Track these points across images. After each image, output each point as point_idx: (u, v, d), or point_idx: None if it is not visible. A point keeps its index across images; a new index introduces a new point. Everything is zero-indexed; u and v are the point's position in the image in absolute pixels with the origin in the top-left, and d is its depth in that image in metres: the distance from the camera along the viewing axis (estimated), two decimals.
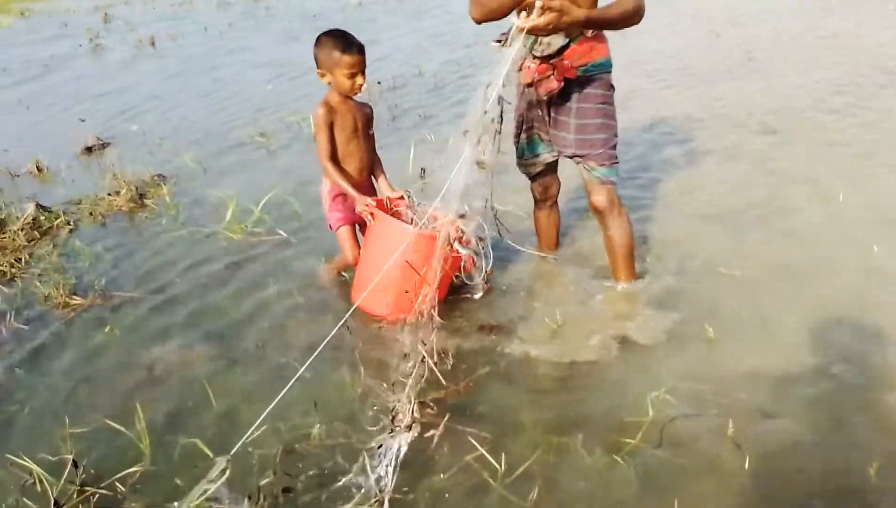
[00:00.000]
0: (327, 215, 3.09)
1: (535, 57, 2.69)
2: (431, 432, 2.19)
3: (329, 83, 2.89)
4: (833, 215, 3.62)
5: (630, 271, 3.03)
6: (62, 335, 2.96)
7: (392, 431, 2.07)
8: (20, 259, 3.61)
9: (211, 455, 2.14)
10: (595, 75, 2.76)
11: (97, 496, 2.07)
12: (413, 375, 2.22)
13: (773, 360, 2.55)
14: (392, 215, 2.89)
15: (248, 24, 10.16)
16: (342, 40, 2.82)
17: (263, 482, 2.06)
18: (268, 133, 5.48)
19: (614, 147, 2.86)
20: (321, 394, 2.46)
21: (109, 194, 4.35)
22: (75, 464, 2.12)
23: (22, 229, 3.90)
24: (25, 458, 2.17)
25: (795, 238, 3.41)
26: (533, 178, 3.15)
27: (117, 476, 2.13)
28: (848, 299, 2.89)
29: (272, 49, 8.74)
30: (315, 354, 2.20)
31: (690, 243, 3.42)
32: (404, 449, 1.94)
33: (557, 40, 2.63)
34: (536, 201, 3.27)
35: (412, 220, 2.83)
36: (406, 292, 2.66)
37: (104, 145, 5.45)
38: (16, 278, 3.45)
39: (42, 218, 4.04)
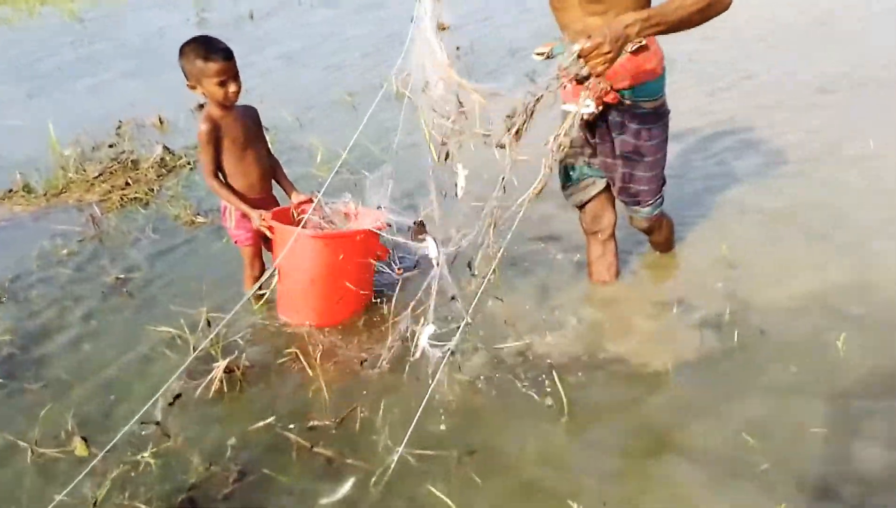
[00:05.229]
0: (232, 231, 2.95)
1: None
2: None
3: (203, 94, 2.70)
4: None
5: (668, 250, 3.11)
6: (189, 243, 3.70)
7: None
8: (152, 189, 4.40)
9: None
10: (644, 103, 2.41)
11: (222, 346, 2.74)
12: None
13: (769, 272, 2.99)
14: (299, 220, 2.74)
15: (335, 1, 10.85)
16: (204, 47, 2.63)
17: None
18: (354, 93, 6.11)
19: (661, 184, 2.65)
20: None
21: None
22: (209, 323, 2.81)
23: (152, 167, 4.69)
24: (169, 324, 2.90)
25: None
26: (581, 207, 2.82)
27: (238, 335, 2.81)
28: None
29: (359, 24, 9.35)
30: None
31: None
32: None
33: None
34: (585, 235, 2.91)
35: (321, 222, 2.86)
36: (330, 296, 2.80)
37: None
38: (150, 203, 4.23)
39: (167, 158, 4.83)
